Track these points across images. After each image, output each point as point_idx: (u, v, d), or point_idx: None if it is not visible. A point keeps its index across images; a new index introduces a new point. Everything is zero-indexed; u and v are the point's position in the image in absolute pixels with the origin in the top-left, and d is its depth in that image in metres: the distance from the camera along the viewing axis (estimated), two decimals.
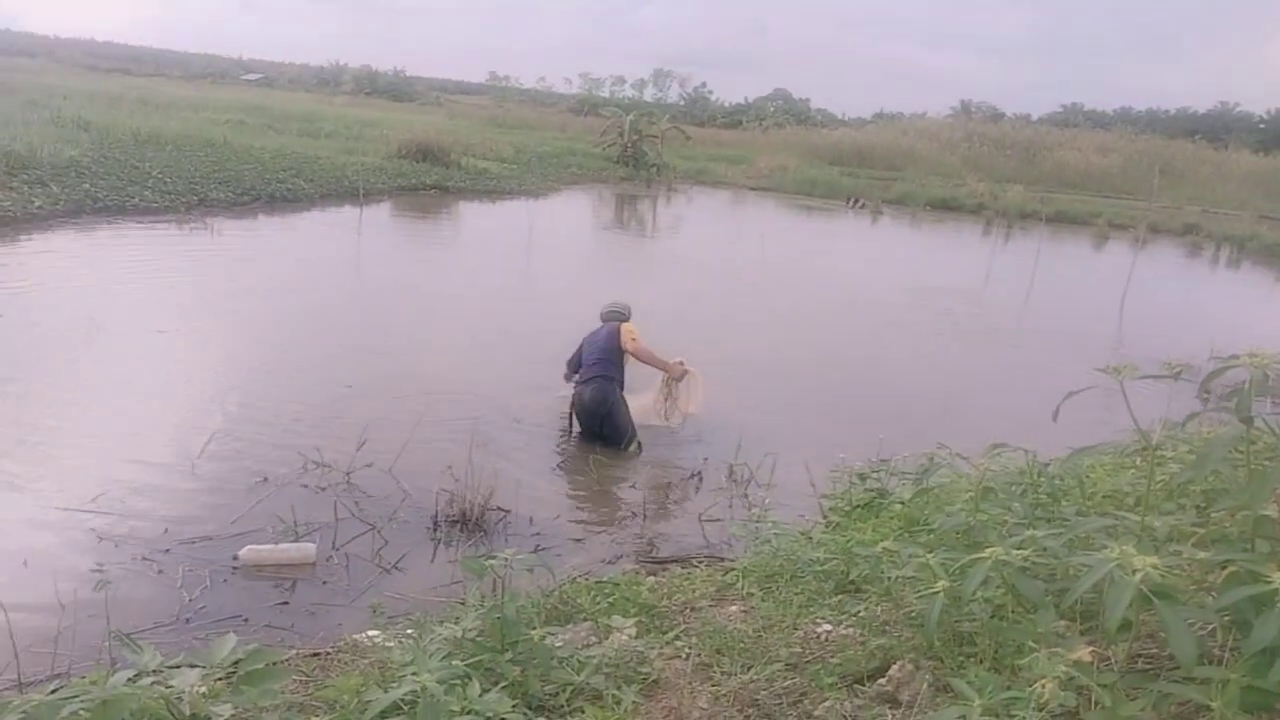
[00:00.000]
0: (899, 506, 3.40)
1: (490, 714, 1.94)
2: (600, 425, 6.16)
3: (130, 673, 1.99)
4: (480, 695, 2.02)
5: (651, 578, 3.54)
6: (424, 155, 23.16)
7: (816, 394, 8.15)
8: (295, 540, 4.45)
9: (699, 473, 5.90)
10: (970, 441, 3.29)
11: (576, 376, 6.46)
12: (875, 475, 3.95)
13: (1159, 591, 1.66)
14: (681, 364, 6.49)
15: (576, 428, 6.35)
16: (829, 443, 5.89)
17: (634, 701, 2.33)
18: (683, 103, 60.55)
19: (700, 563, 3.95)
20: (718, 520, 5.07)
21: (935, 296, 13.61)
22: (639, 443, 6.21)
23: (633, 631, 2.71)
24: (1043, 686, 1.69)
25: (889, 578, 2.68)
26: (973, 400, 8.29)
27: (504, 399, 6.97)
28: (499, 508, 4.86)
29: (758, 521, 3.64)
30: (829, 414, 7.48)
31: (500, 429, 6.33)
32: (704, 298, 12.21)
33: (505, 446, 5.94)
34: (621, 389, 6.29)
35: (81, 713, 1.77)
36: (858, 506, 3.78)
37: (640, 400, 6.43)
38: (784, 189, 30.23)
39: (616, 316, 6.69)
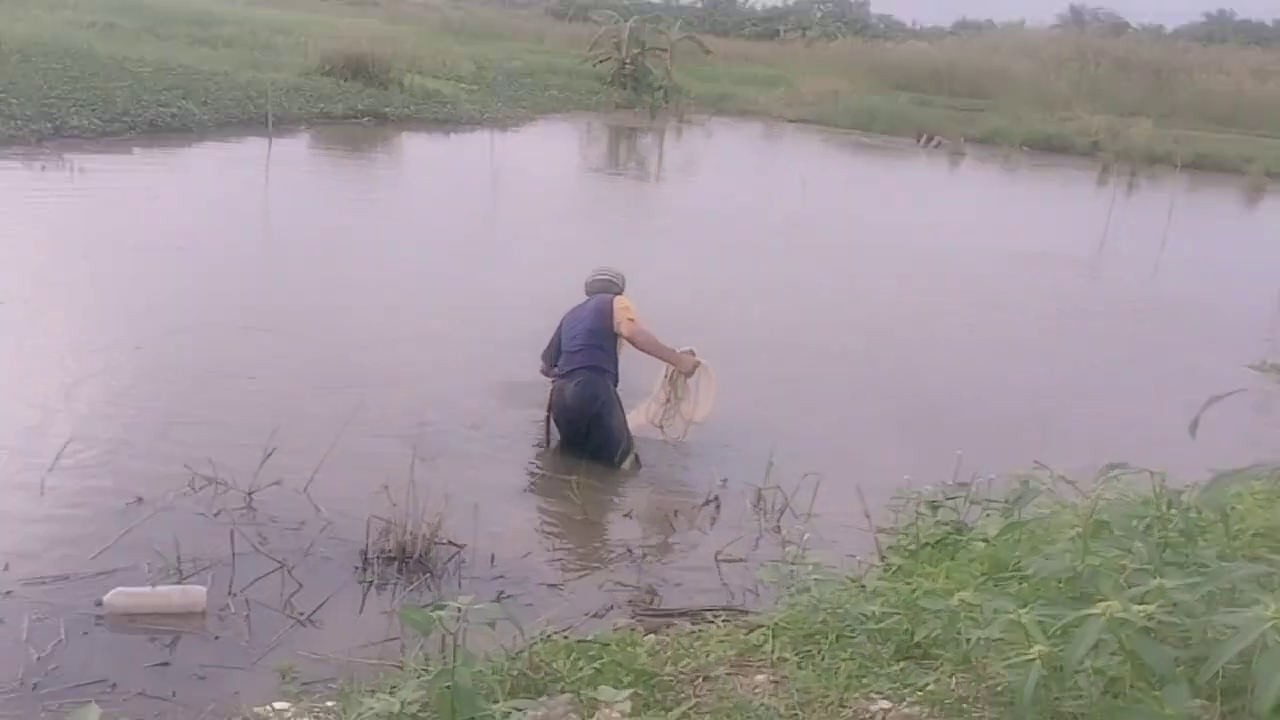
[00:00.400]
0: (981, 545, 3.46)
1: None
2: (586, 432, 6.19)
3: None
4: None
5: (652, 636, 3.59)
6: (354, 72, 23.35)
7: (874, 395, 8.22)
8: (179, 581, 4.47)
9: (715, 498, 5.91)
10: (1078, 460, 3.31)
11: (555, 368, 6.52)
12: (950, 504, 4.00)
13: None
14: (692, 354, 6.53)
15: (555, 436, 6.43)
16: (889, 460, 5.98)
17: None
18: (701, 4, 60.41)
19: (716, 617, 4.02)
20: (739, 561, 5.16)
21: (1031, 266, 13.79)
22: (636, 456, 6.25)
23: (626, 707, 2.66)
24: None
25: (967, 640, 2.70)
26: (1083, 406, 8.39)
27: (458, 397, 7.07)
28: (450, 541, 4.85)
29: (793, 563, 3.65)
30: (889, 422, 7.55)
31: (454, 437, 6.41)
32: (724, 265, 12.33)
33: (460, 460, 5.98)
34: (615, 383, 6.34)
35: None
36: (926, 545, 3.84)
37: (635, 409, 6.53)
38: (834, 121, 30.37)
39: (606, 288, 6.73)
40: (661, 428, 6.61)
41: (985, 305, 11.47)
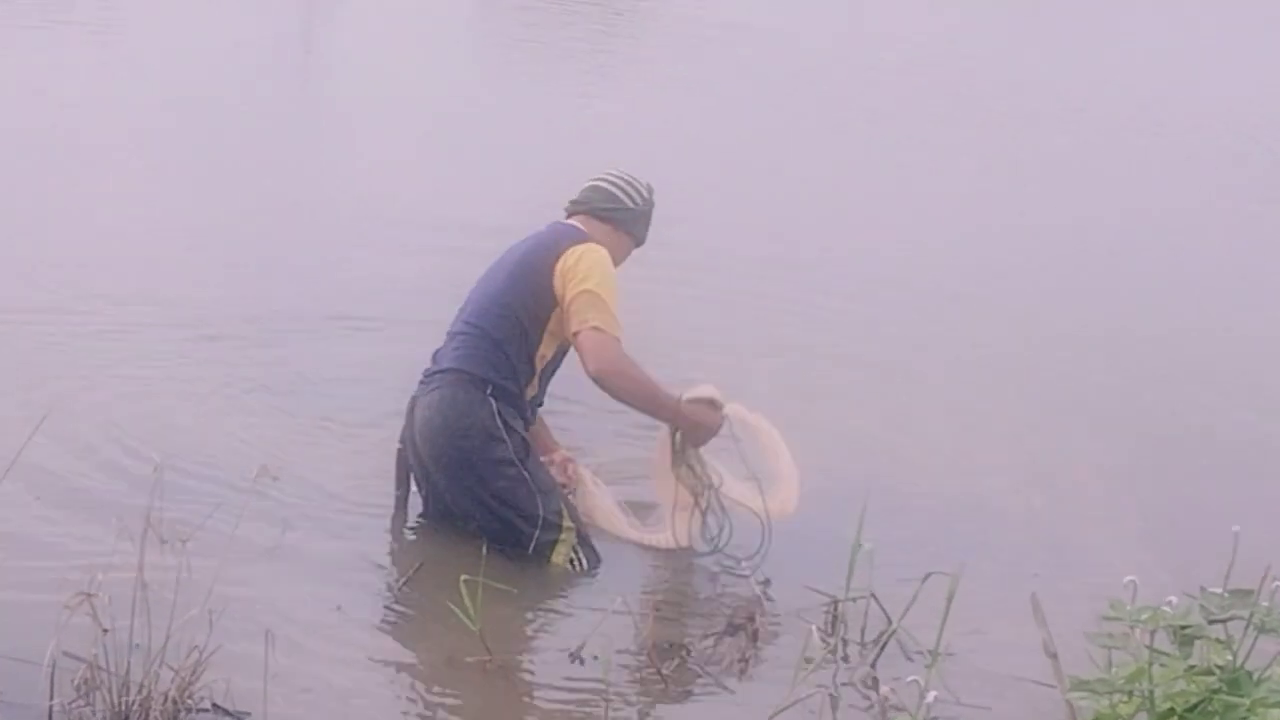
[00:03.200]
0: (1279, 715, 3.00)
1: None
2: (449, 498, 4.53)
3: None
4: None
5: None
6: None
7: (1060, 420, 6.15)
8: None
9: (751, 619, 4.20)
10: None
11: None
12: (1219, 631, 3.03)
13: None
14: (713, 401, 4.55)
15: (418, 495, 4.74)
16: (1096, 539, 4.91)
17: None
18: None
19: None
20: None
21: None
22: (578, 544, 4.46)
23: None
24: None
25: None
26: None
27: (235, 417, 5.43)
28: (218, 707, 3.61)
29: None
30: (1095, 456, 5.78)
31: (225, 490, 4.66)
32: (780, 141, 10.10)
33: (240, 540, 4.11)
34: (520, 409, 4.54)
35: None
36: (1170, 712, 2.99)
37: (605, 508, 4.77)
38: None
39: (589, 210, 4.68)
40: (691, 538, 4.65)
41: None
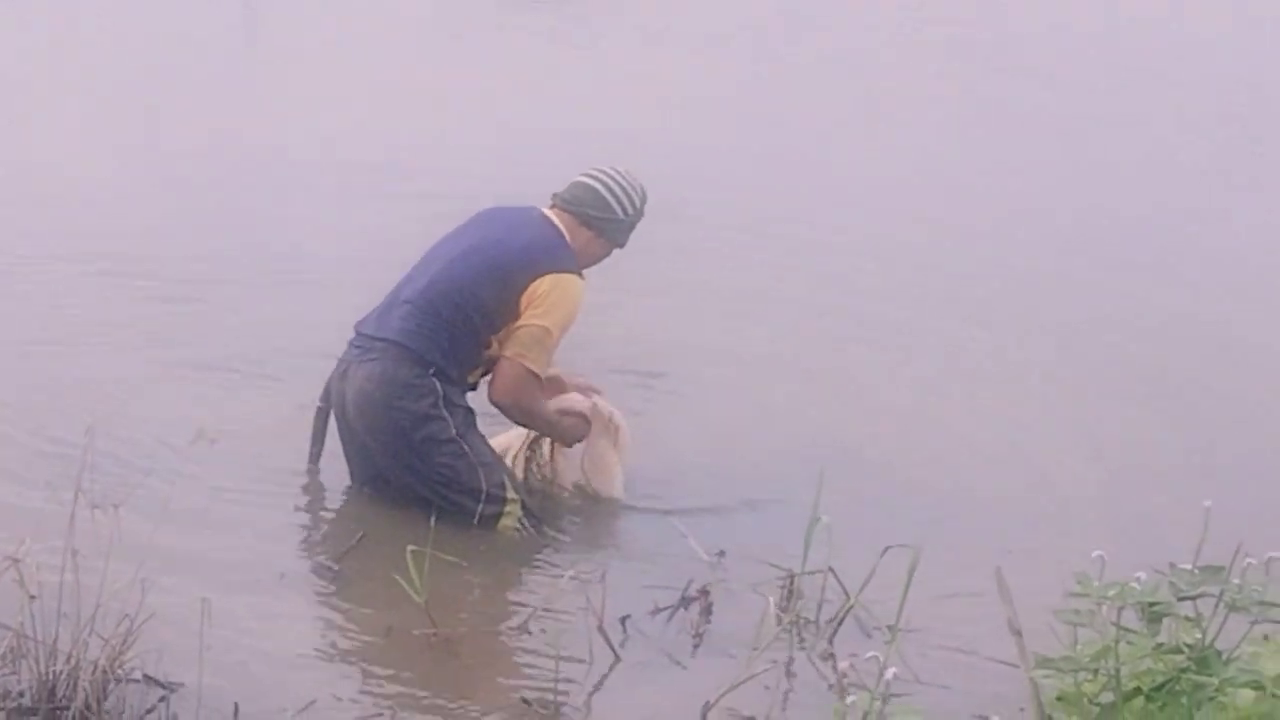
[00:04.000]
0: (1249, 694, 2.85)
1: None
2: (386, 469, 4.53)
3: None
4: None
5: None
6: None
7: (1029, 395, 6.14)
8: None
9: (704, 592, 4.16)
10: None
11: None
12: (1188, 608, 3.02)
13: None
14: (585, 417, 4.72)
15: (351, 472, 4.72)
16: (1066, 514, 4.83)
17: None
18: None
19: None
20: None
21: None
22: (524, 516, 4.50)
23: None
24: None
25: None
26: None
27: (162, 379, 5.38)
28: (149, 677, 3.52)
29: None
30: (1066, 429, 5.74)
31: (154, 458, 4.67)
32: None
33: (170, 510, 4.04)
34: (457, 389, 4.52)
35: None
36: (1136, 692, 3.00)
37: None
38: None
39: (585, 218, 4.57)
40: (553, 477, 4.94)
41: None
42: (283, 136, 8.74)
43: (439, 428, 4.31)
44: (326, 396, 4.49)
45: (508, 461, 4.72)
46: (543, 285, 4.27)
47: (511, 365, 4.35)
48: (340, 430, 4.53)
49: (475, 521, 4.34)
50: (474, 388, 4.65)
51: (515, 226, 4.52)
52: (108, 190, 7.27)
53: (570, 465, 4.87)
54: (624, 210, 4.47)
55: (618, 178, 4.54)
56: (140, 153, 8.35)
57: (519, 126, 8.01)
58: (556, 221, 4.43)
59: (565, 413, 4.62)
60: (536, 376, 4.36)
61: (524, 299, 4.28)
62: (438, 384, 4.30)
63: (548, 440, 4.79)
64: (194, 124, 8.93)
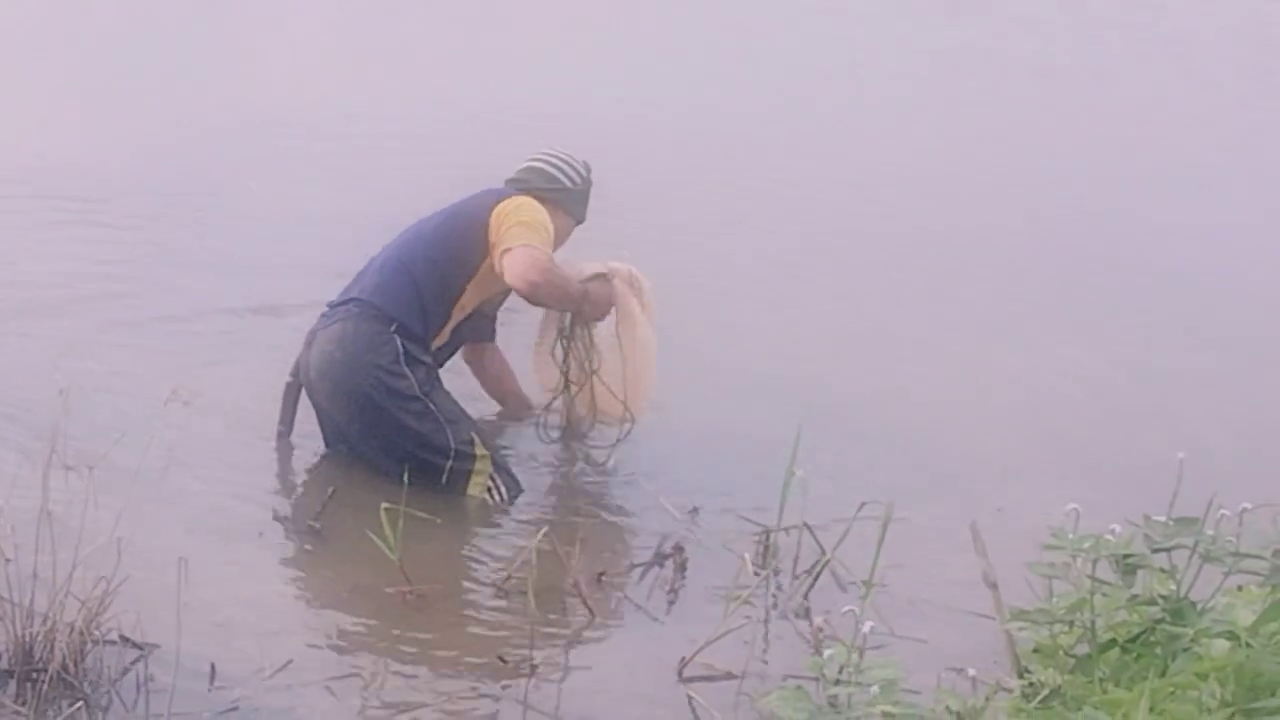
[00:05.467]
0: (1224, 645, 2.86)
1: None
2: (353, 433, 4.55)
3: None
4: None
5: None
6: None
7: (1006, 351, 6.14)
8: None
9: (678, 549, 4.17)
10: None
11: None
12: (1162, 560, 3.07)
13: None
14: (605, 275, 4.66)
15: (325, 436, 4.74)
16: (1038, 470, 4.85)
17: None
18: None
19: None
20: (727, 678, 3.70)
21: None
22: (494, 473, 4.50)
23: None
24: None
25: None
26: None
27: (133, 339, 5.33)
28: (125, 638, 3.55)
29: (837, 684, 2.73)
30: (1039, 400, 5.66)
31: (128, 415, 4.64)
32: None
33: (147, 472, 4.01)
34: (423, 350, 4.53)
35: None
36: (1112, 644, 3.04)
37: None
38: None
39: (536, 192, 4.65)
40: (568, 421, 4.86)
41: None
42: (267, 103, 8.48)
43: (401, 384, 4.31)
44: (296, 371, 4.53)
45: (544, 355, 4.76)
46: (506, 206, 4.35)
47: (519, 251, 4.32)
48: (312, 403, 4.60)
49: (444, 480, 4.35)
50: (447, 356, 4.68)
51: (474, 195, 4.60)
52: (76, 152, 7.13)
53: (609, 347, 4.78)
54: (571, 180, 4.59)
55: (556, 153, 4.68)
56: (115, 119, 8.10)
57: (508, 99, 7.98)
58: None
59: (588, 279, 4.62)
60: (547, 254, 4.35)
61: (492, 223, 4.34)
62: (398, 340, 4.30)
63: (579, 329, 4.73)
64: (176, 93, 8.64)
